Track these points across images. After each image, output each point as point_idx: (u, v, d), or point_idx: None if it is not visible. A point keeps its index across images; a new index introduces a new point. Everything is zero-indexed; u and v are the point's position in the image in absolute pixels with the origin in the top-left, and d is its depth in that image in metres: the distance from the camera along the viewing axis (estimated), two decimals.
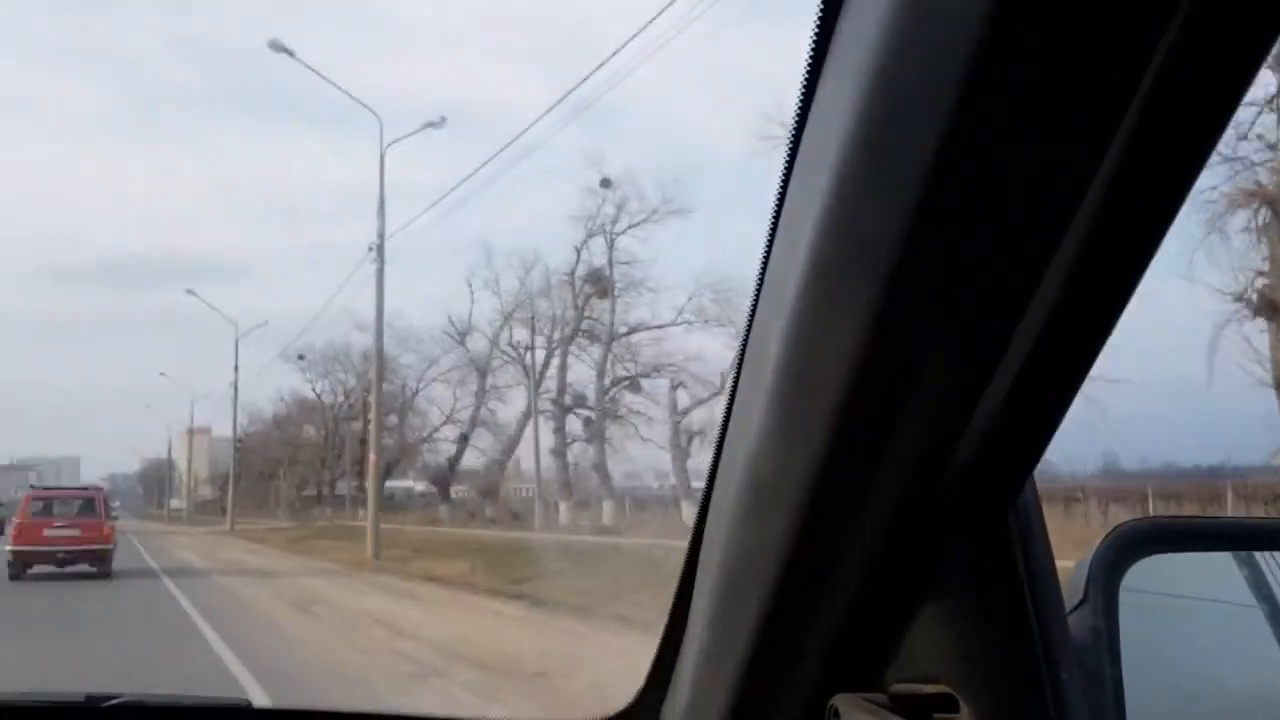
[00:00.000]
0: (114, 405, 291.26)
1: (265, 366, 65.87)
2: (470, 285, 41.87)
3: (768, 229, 0.85)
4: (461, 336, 42.18)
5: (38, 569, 18.52)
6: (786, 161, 0.80)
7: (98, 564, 19.06)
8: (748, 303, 0.92)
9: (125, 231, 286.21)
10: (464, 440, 44.29)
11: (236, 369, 52.63)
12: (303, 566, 22.64)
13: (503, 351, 41.49)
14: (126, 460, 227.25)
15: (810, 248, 0.67)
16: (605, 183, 33.42)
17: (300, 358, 67.04)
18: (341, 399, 68.64)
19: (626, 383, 35.86)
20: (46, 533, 18.86)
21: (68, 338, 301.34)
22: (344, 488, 72.85)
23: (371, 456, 25.80)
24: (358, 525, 39.89)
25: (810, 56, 0.71)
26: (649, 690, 1.29)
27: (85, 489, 23.56)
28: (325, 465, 71.52)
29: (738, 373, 0.96)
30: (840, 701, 0.96)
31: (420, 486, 67.32)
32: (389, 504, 59.33)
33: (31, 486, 33.30)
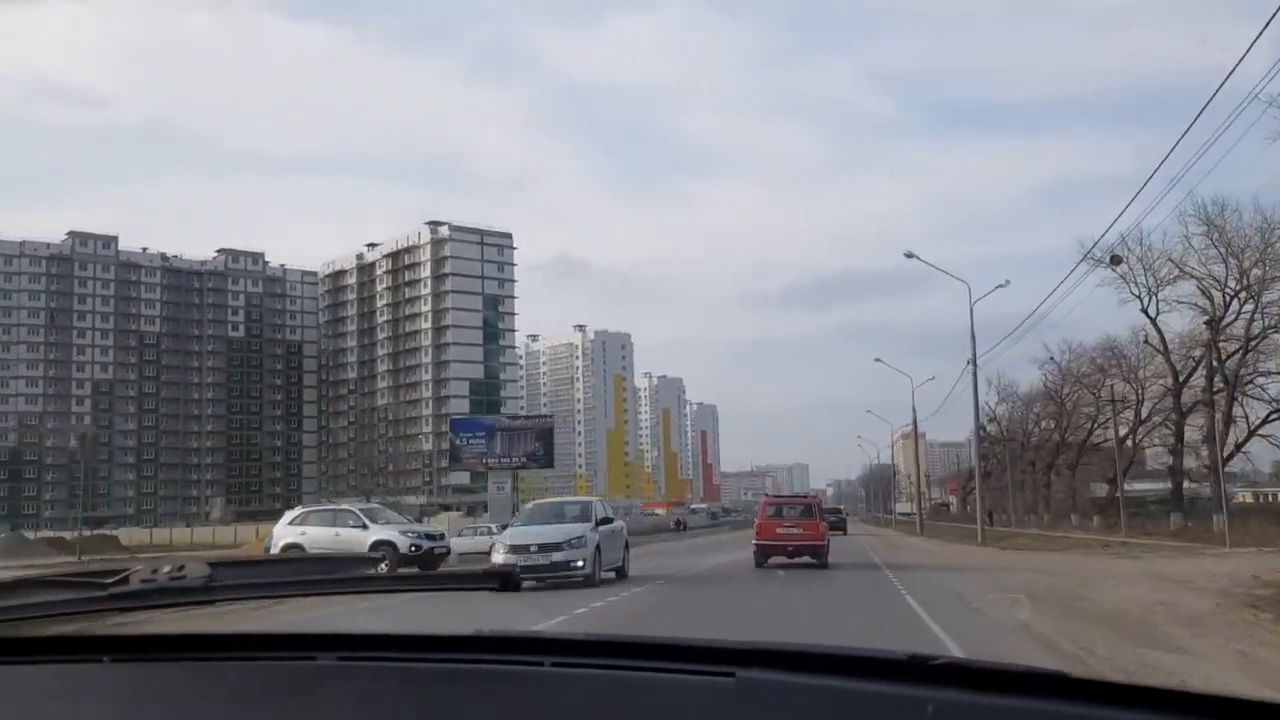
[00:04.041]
0: (834, 414, 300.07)
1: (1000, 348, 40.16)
2: None
3: None
4: None
5: (774, 559, 22.25)
6: None
7: (817, 556, 22.25)
8: None
9: (811, 256, 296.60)
10: None
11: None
12: None
13: None
14: (850, 466, 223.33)
15: None
16: None
17: (1114, 261, 40.10)
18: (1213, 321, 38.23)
19: None
20: (779, 530, 22.61)
21: (778, 355, 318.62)
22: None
23: None
24: None
25: None
26: None
27: (805, 496, 29.66)
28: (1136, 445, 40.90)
29: None
30: None
31: None
32: None
33: (765, 494, 42.76)
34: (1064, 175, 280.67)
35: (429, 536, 22.00)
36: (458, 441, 49.98)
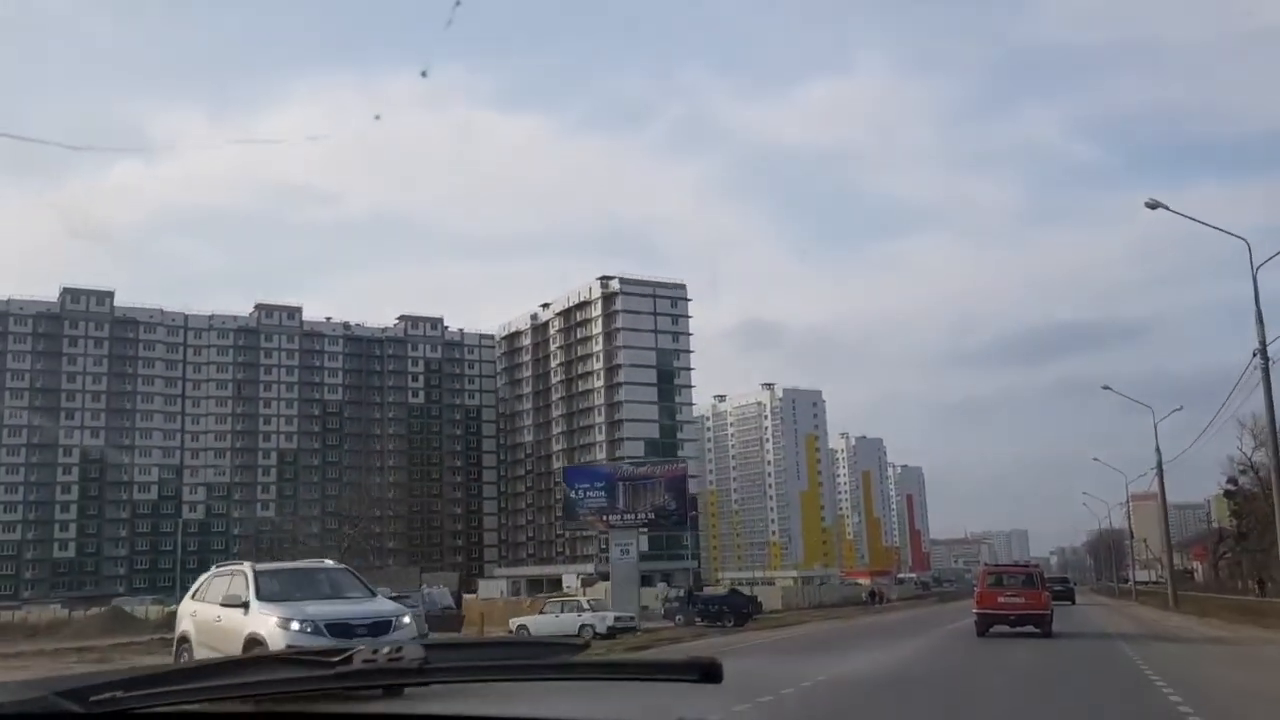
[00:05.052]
0: (1053, 477, 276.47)
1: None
2: None
3: None
4: None
5: (996, 628, 22.51)
6: None
7: (1040, 626, 22.39)
8: None
9: (1020, 310, 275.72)
10: None
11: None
12: None
13: None
14: (1074, 532, 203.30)
15: None
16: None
17: None
18: None
19: None
20: (1000, 599, 23.07)
21: (989, 413, 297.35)
22: None
23: None
24: None
25: None
26: None
27: (1026, 565, 29.43)
28: None
29: None
30: None
31: None
32: None
33: (984, 563, 50.62)
34: None
35: (345, 625, 13.40)
36: (573, 495, 42.72)
